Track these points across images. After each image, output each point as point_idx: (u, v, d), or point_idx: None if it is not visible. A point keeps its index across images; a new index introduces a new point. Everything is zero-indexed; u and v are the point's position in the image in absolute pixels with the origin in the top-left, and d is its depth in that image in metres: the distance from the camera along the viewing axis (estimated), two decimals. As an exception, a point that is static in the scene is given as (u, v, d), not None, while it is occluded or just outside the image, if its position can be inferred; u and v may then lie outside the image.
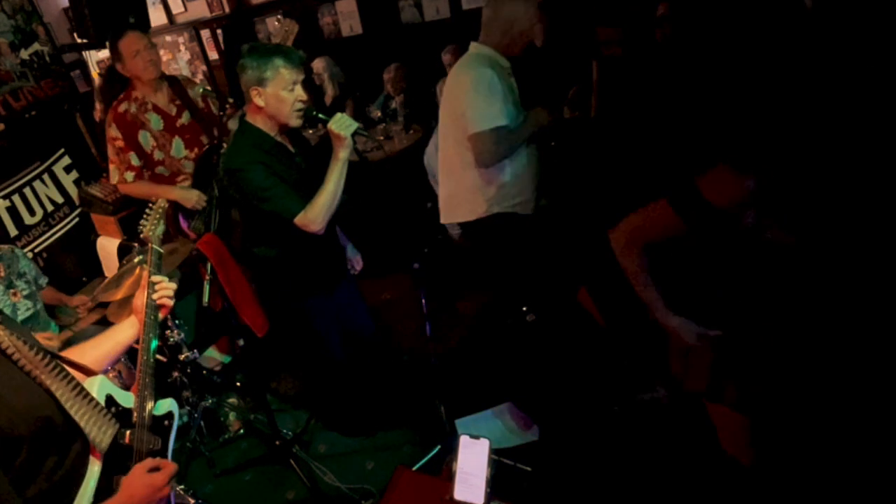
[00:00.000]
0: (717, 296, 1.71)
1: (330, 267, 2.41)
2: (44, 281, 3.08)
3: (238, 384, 3.19)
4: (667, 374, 1.89)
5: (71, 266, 3.94)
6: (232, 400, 3.13)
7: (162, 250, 1.67)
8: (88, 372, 1.36)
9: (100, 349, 1.49)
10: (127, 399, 1.40)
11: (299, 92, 2.06)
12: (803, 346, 1.61)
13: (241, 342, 2.62)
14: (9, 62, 3.77)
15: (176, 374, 2.82)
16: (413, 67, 4.62)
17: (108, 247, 3.70)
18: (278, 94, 2.04)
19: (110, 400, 1.35)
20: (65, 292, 3.27)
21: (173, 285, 1.56)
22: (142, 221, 1.72)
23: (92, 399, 1.27)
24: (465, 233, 2.97)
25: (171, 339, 2.72)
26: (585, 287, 2.83)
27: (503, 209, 2.65)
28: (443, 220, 2.92)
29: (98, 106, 4.69)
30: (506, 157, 2.55)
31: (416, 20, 4.90)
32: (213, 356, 3.51)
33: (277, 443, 2.69)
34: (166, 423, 1.47)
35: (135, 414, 1.38)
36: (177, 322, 2.78)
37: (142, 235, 1.69)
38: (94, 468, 1.25)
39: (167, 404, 1.49)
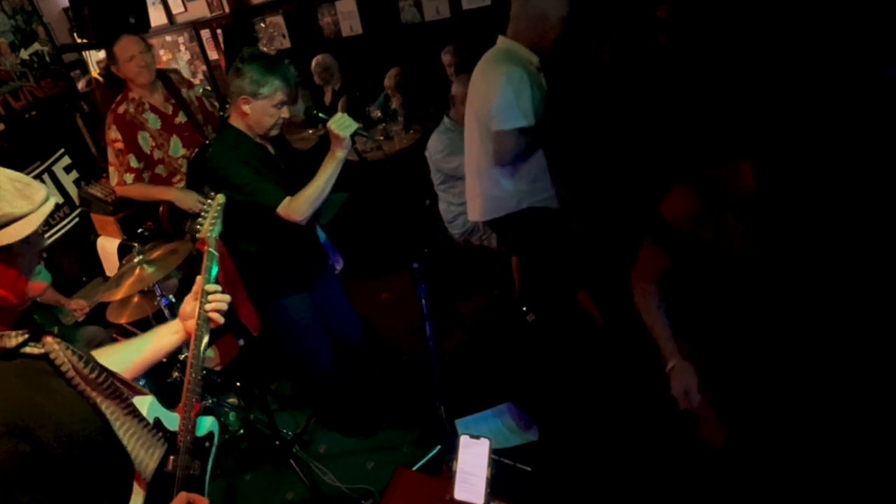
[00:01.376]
0: (693, 312, 1.73)
1: (310, 264, 2.44)
2: (43, 281, 3.07)
3: (238, 384, 3.19)
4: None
5: (71, 266, 3.94)
6: (232, 400, 3.12)
7: (218, 253, 1.53)
8: (136, 391, 1.27)
9: (140, 353, 1.41)
10: (173, 421, 1.32)
11: (284, 111, 2.14)
12: (775, 355, 1.63)
13: (242, 342, 2.62)
14: (9, 62, 3.77)
15: (176, 374, 2.82)
16: (413, 67, 4.62)
17: (108, 247, 3.70)
18: (267, 110, 2.10)
19: (158, 423, 1.27)
20: (64, 293, 3.27)
21: (227, 297, 1.44)
22: (199, 220, 1.59)
23: (143, 419, 1.18)
24: (498, 229, 3.00)
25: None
26: (585, 287, 2.84)
27: (534, 203, 2.67)
28: (476, 219, 2.94)
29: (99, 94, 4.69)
30: (525, 157, 2.56)
31: (416, 20, 4.90)
32: (214, 356, 3.51)
33: (277, 443, 2.69)
34: (207, 444, 1.39)
35: (180, 437, 1.30)
36: (177, 322, 2.77)
37: (199, 236, 1.57)
38: (138, 498, 1.18)
39: (209, 423, 1.41)
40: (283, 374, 3.34)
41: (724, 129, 1.70)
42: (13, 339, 1.04)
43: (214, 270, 1.47)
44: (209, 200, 1.65)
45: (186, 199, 2.86)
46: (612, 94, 2.31)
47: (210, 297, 1.41)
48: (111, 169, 3.00)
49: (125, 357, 1.37)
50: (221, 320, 1.42)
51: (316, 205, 2.09)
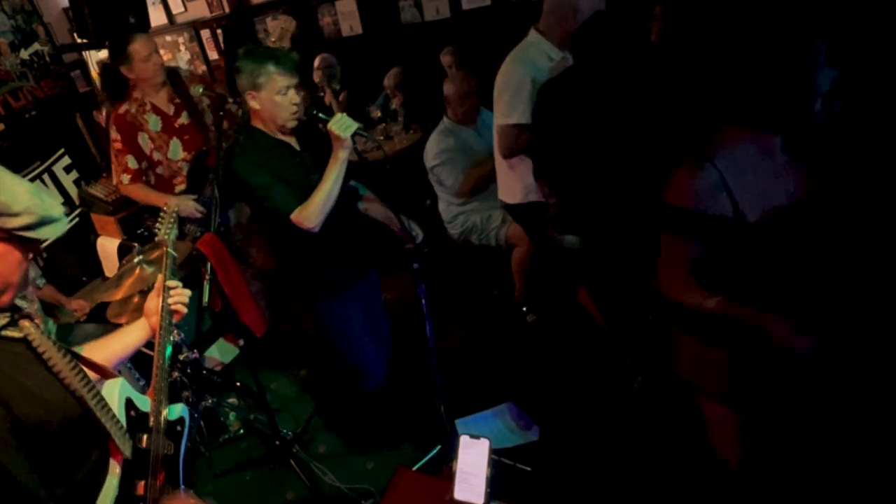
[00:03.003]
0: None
1: (345, 264, 2.36)
2: (41, 282, 3.07)
3: (238, 384, 3.19)
4: (670, 375, 1.88)
5: (71, 266, 3.94)
6: (232, 400, 3.12)
7: (176, 254, 1.69)
8: (107, 374, 1.36)
9: (109, 349, 1.49)
10: (144, 403, 1.40)
11: (292, 96, 2.09)
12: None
13: (241, 342, 2.62)
14: (9, 62, 3.77)
15: (176, 374, 2.81)
16: (413, 68, 4.62)
17: (108, 247, 3.70)
18: (272, 99, 2.07)
19: (129, 403, 1.35)
20: (65, 292, 3.27)
21: (188, 291, 1.58)
22: (157, 225, 1.75)
23: (111, 411, 1.27)
24: (513, 216, 3.08)
25: (172, 339, 2.72)
26: (585, 287, 2.85)
27: (540, 199, 2.72)
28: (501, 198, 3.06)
29: (104, 109, 4.69)
30: (523, 153, 2.60)
31: (416, 20, 4.90)
32: (214, 356, 3.51)
33: (277, 443, 2.69)
34: (178, 428, 1.48)
35: (151, 418, 1.39)
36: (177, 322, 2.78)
37: (157, 239, 1.73)
38: (116, 471, 1.26)
39: (179, 409, 1.50)
40: (284, 371, 3.33)
41: (712, 107, 1.69)
42: None
43: (174, 267, 1.63)
44: (165, 208, 1.81)
45: (186, 206, 2.85)
46: (610, 96, 2.32)
47: (172, 292, 1.54)
48: (113, 167, 3.03)
49: (93, 353, 1.45)
50: (185, 311, 1.55)
51: (326, 210, 2.06)
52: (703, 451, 1.88)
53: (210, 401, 2.95)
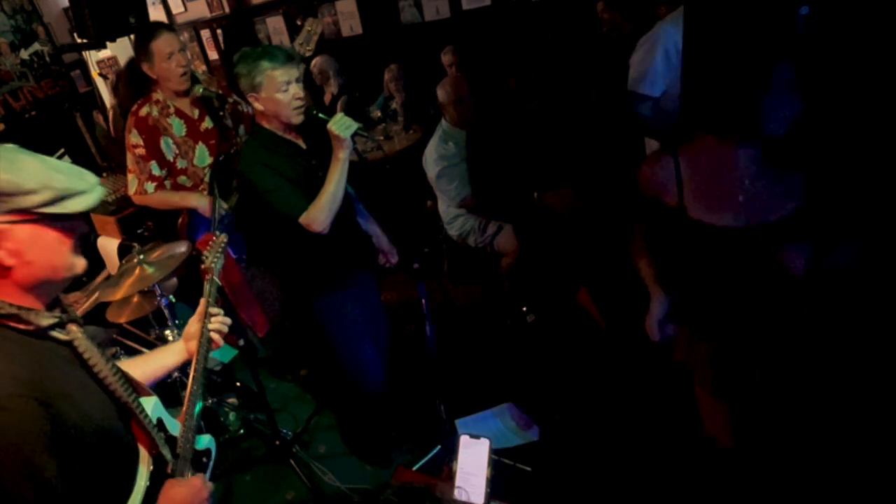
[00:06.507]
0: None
1: (345, 263, 2.35)
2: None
3: (238, 384, 3.19)
4: (670, 364, 1.93)
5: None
6: (232, 400, 3.12)
7: (220, 283, 1.71)
8: (143, 391, 1.32)
9: (145, 368, 1.48)
10: (174, 426, 1.38)
11: (294, 90, 2.05)
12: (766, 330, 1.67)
13: (242, 342, 2.62)
14: (9, 62, 3.78)
15: (176, 374, 2.81)
16: (413, 67, 4.62)
17: (108, 247, 3.70)
18: (273, 97, 2.04)
19: (160, 424, 1.33)
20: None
21: (228, 320, 1.59)
22: (204, 254, 1.76)
23: (150, 419, 1.25)
24: None
25: (172, 339, 2.72)
26: (585, 287, 2.85)
27: None
28: None
29: (111, 103, 4.64)
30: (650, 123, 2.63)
31: (416, 20, 4.90)
32: (213, 356, 3.51)
33: (277, 443, 2.69)
34: (204, 459, 1.45)
35: (180, 443, 1.35)
36: (177, 322, 2.78)
37: (203, 266, 1.72)
38: (141, 483, 1.22)
39: (206, 440, 1.49)
40: (284, 371, 3.33)
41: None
42: (46, 318, 1.08)
43: (216, 296, 1.64)
44: (215, 237, 1.80)
45: (207, 206, 2.64)
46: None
47: (213, 319, 1.55)
48: (130, 176, 2.73)
49: (132, 373, 1.40)
50: (221, 343, 1.56)
51: (333, 211, 2.06)
52: (699, 441, 1.92)
53: (210, 401, 2.95)
